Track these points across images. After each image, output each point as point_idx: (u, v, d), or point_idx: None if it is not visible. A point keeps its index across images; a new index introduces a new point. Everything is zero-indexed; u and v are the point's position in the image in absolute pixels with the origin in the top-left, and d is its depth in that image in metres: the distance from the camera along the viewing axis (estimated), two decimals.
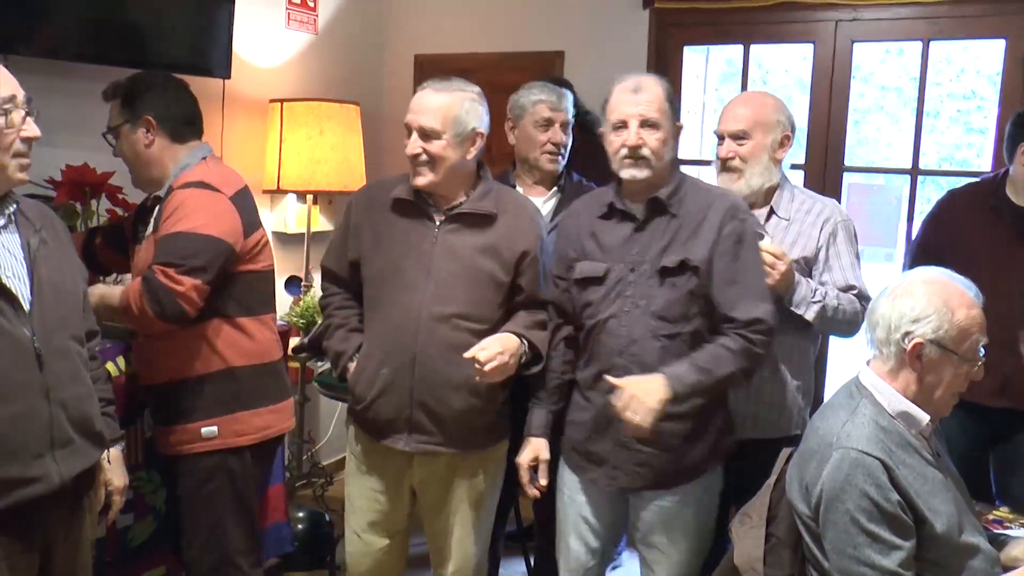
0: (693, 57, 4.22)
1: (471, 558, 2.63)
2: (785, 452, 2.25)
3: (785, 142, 2.69)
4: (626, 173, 2.36)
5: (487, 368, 2.34)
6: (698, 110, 4.36)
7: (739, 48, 4.16)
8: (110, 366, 2.58)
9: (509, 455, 2.62)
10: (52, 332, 2.00)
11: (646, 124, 2.33)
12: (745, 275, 2.35)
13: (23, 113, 1.96)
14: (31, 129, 1.97)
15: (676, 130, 2.42)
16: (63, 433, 2.01)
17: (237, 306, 2.57)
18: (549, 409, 2.53)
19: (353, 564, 2.71)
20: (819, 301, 2.55)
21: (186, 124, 2.63)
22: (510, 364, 2.41)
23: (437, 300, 2.45)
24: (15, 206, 2.03)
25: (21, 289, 1.97)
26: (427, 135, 2.42)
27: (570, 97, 3.13)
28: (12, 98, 1.94)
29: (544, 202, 3.03)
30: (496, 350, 2.36)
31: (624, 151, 2.34)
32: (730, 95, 2.86)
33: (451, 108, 2.42)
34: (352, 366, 2.55)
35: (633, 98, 2.35)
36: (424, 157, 2.44)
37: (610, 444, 2.41)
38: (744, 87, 4.07)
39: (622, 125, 2.35)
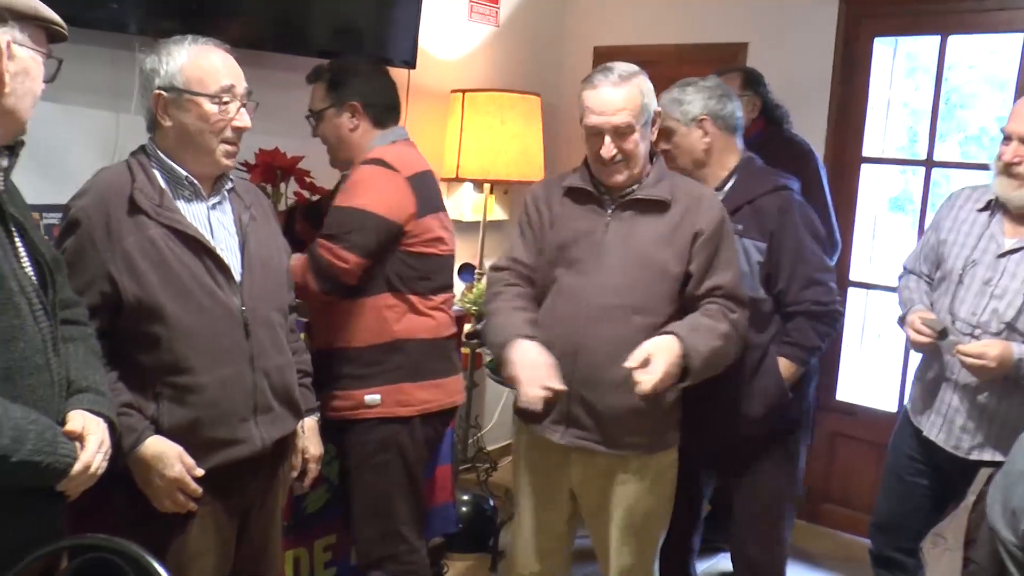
0: (879, 49, 4.02)
1: (633, 569, 2.54)
2: (985, 472, 2.09)
3: None
4: None
5: (644, 388, 2.17)
6: (883, 106, 4.14)
7: (923, 41, 3.92)
8: None
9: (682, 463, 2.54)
10: (259, 303, 2.13)
11: None
12: None
13: (239, 104, 2.09)
14: (243, 119, 2.10)
15: None
16: (265, 400, 2.13)
17: (408, 283, 2.63)
18: None
19: (517, 559, 2.69)
20: None
21: (388, 110, 2.73)
22: (670, 377, 2.23)
23: (606, 291, 2.36)
24: (231, 184, 2.18)
25: (233, 262, 2.10)
26: (622, 133, 2.33)
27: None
28: (231, 88, 2.07)
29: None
30: (660, 369, 2.18)
31: None
32: (914, 90, 2.68)
33: (635, 97, 2.33)
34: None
35: None
36: (620, 156, 2.35)
37: None
38: (938, 82, 3.85)
39: None
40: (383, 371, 2.63)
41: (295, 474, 2.37)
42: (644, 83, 2.37)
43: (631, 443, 2.41)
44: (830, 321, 2.66)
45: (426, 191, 2.65)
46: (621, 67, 2.36)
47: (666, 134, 2.69)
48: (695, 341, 2.26)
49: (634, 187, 2.41)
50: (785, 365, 2.63)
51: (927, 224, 2.99)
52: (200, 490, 2.02)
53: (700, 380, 2.33)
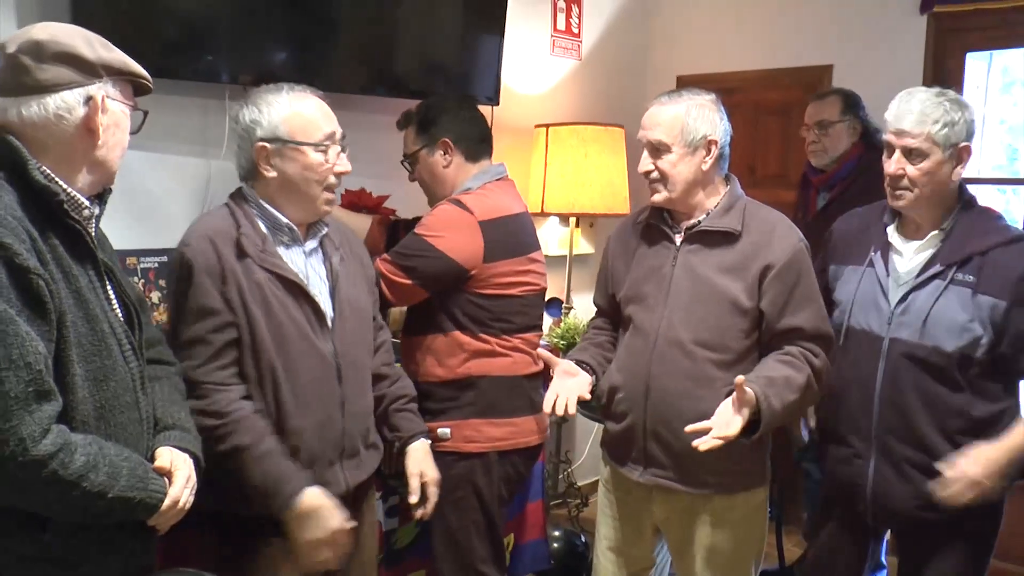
0: (972, 65, 3.89)
1: None
2: None
3: None
4: None
5: (700, 445, 2.08)
6: (978, 124, 3.99)
7: (1020, 53, 3.76)
8: None
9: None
10: (350, 347, 2.17)
11: None
12: None
13: (338, 150, 2.14)
14: (343, 164, 2.15)
15: None
16: (352, 444, 2.17)
17: (479, 324, 2.62)
18: None
19: None
20: None
21: (480, 143, 2.76)
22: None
23: (673, 325, 2.29)
24: (325, 230, 2.21)
25: (326, 306, 2.14)
26: (657, 150, 2.30)
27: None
28: (332, 135, 2.12)
29: (916, 252, 2.39)
30: (725, 433, 2.08)
31: None
32: (1012, 106, 2.51)
33: (679, 117, 2.26)
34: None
35: None
36: (656, 174, 2.31)
37: None
38: None
39: None
40: (455, 406, 2.64)
41: (414, 498, 2.32)
42: (695, 107, 2.28)
43: (711, 481, 2.32)
44: None
45: (504, 235, 2.63)
46: (690, 91, 2.33)
47: (914, 155, 2.30)
48: (771, 398, 2.13)
49: (701, 218, 2.34)
50: None
51: None
52: None
53: (768, 431, 2.21)
